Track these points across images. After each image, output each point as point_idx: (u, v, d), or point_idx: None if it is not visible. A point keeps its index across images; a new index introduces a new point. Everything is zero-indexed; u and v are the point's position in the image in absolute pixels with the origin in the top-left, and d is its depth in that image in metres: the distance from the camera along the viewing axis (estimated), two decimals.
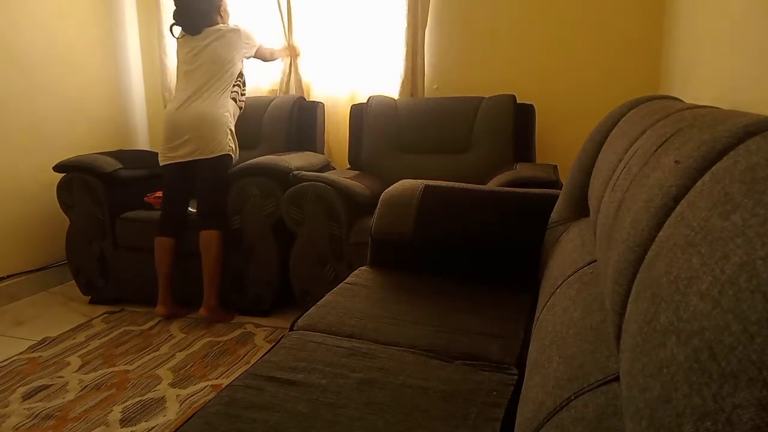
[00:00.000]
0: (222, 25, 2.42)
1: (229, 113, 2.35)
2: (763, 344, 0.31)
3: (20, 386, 1.84)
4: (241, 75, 2.46)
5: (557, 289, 1.00)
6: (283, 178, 2.26)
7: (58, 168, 2.46)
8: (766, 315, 0.33)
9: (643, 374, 0.44)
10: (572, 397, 0.61)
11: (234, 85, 2.41)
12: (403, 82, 2.72)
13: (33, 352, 2.10)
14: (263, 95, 3.00)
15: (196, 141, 2.26)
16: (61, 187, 2.47)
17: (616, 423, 0.53)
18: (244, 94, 2.52)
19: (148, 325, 2.31)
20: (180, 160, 2.28)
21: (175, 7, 2.40)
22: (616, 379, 0.58)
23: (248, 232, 2.33)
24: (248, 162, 2.32)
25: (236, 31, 2.41)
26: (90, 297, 2.61)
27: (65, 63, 2.88)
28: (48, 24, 2.78)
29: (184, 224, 2.37)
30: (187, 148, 2.27)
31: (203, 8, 2.38)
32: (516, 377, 1.06)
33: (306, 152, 2.63)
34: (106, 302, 2.55)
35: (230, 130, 2.34)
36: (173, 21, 2.42)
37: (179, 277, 2.38)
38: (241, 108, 2.51)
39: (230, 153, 2.33)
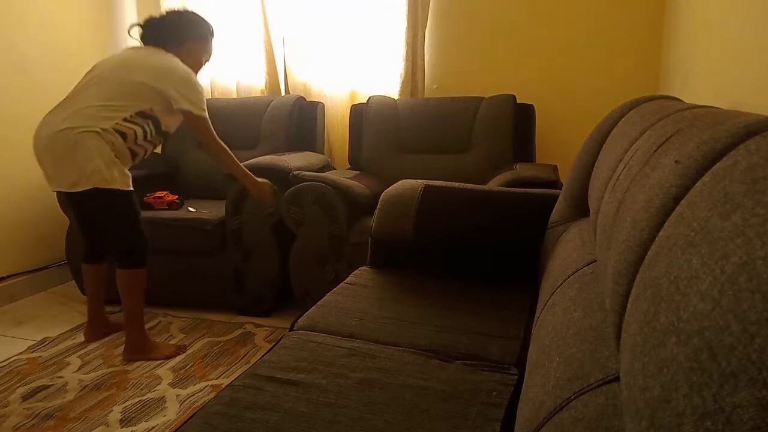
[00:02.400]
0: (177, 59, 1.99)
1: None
2: (763, 344, 0.31)
3: (20, 386, 1.84)
4: (147, 116, 1.93)
5: (557, 289, 1.00)
6: (282, 178, 2.25)
7: None
8: (766, 315, 0.33)
9: (643, 374, 0.44)
10: (572, 397, 0.61)
11: (132, 120, 1.90)
12: (403, 82, 2.72)
13: (33, 352, 2.10)
14: (259, 95, 3.00)
15: None
16: None
17: (616, 423, 0.53)
18: (139, 141, 1.94)
19: (148, 325, 2.30)
20: None
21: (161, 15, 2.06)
22: (616, 379, 0.58)
23: (248, 232, 2.33)
24: (247, 162, 2.31)
25: (185, 72, 1.97)
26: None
27: (65, 63, 2.88)
28: (48, 24, 2.78)
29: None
30: None
31: (179, 26, 2.04)
32: (516, 377, 1.06)
33: (306, 152, 2.63)
34: (105, 302, 2.52)
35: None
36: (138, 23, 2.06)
37: (171, 277, 2.37)
38: (134, 153, 1.94)
39: None
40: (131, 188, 1.91)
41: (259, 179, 2.17)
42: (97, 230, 2.10)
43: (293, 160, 2.37)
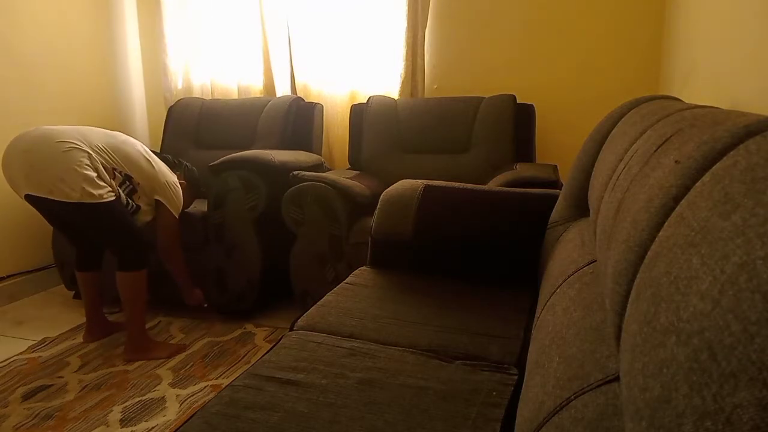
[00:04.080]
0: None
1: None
2: (763, 344, 0.31)
3: (20, 386, 1.84)
4: (128, 185, 2.01)
5: (557, 289, 1.00)
6: (266, 170, 2.21)
7: None
8: (766, 315, 0.33)
9: (643, 374, 0.44)
10: (572, 397, 0.61)
11: (117, 174, 1.96)
12: (403, 82, 2.72)
13: (33, 352, 2.10)
14: (258, 96, 2.98)
15: None
16: None
17: (616, 423, 0.53)
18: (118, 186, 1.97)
19: (147, 325, 2.30)
20: None
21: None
22: (616, 379, 0.58)
23: (229, 227, 2.27)
24: (231, 155, 2.27)
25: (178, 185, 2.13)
26: (74, 292, 2.55)
27: (65, 63, 2.88)
28: (48, 24, 2.78)
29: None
30: None
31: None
32: (516, 377, 1.06)
33: (298, 151, 2.59)
34: (107, 304, 2.44)
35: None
36: None
37: (154, 273, 2.25)
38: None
39: None
40: (114, 197, 1.91)
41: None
42: (87, 239, 2.11)
43: (278, 154, 2.32)
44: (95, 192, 1.83)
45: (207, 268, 2.34)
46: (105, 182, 1.89)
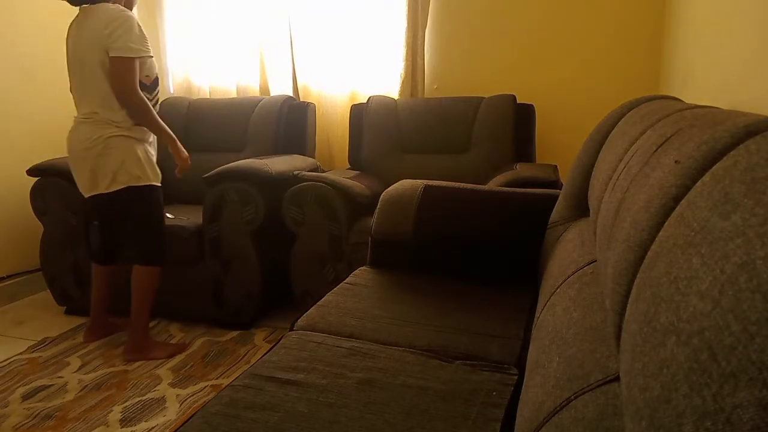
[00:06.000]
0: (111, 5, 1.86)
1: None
2: (763, 344, 0.31)
3: (20, 386, 1.84)
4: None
5: (557, 289, 1.00)
6: (263, 182, 2.16)
7: (31, 172, 2.34)
8: (766, 315, 0.33)
9: (643, 374, 0.44)
10: (572, 397, 0.61)
11: None
12: (403, 82, 2.72)
13: (33, 352, 2.10)
14: (250, 96, 2.94)
15: None
16: (34, 192, 2.35)
17: (616, 423, 0.53)
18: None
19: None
20: None
21: None
22: (616, 379, 0.58)
23: (227, 241, 2.20)
24: (226, 166, 2.19)
25: (119, 22, 1.83)
26: (65, 307, 2.48)
27: (65, 62, 2.87)
28: (48, 25, 2.78)
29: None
30: None
31: None
32: (516, 377, 1.06)
33: (293, 155, 2.54)
34: (82, 313, 2.35)
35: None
36: None
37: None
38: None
39: None
40: (160, 184, 1.99)
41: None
42: (118, 230, 2.11)
43: (275, 164, 2.27)
44: (141, 174, 1.91)
45: (204, 282, 2.26)
46: (151, 162, 1.96)
